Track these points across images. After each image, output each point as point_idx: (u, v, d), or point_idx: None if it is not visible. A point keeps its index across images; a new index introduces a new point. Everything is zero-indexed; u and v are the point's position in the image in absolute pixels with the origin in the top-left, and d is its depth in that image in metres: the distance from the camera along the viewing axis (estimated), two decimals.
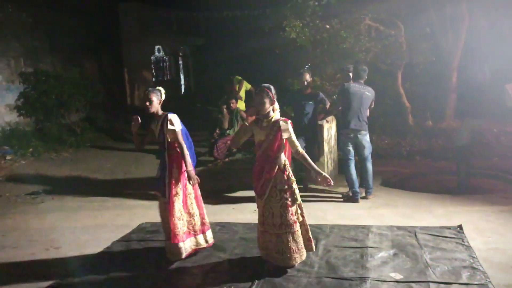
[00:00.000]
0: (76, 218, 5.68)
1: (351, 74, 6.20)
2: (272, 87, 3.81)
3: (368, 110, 6.04)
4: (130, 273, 3.92)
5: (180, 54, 18.64)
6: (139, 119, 4.08)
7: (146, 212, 5.63)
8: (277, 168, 3.77)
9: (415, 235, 4.52)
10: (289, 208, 3.75)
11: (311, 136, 6.40)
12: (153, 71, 16.53)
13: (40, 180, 7.73)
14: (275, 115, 3.83)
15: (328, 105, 6.36)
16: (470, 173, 6.43)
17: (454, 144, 6.99)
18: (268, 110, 3.79)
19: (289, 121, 3.81)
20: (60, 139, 10.47)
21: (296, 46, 9.26)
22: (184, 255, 4.02)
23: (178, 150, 4.06)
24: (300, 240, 3.81)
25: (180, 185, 4.05)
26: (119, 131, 12.34)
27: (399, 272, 3.71)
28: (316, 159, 6.60)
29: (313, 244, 3.95)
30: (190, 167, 3.99)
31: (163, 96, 4.20)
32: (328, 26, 8.87)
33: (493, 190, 6.23)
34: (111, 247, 4.55)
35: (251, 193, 6.33)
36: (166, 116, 4.09)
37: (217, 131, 8.78)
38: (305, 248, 3.86)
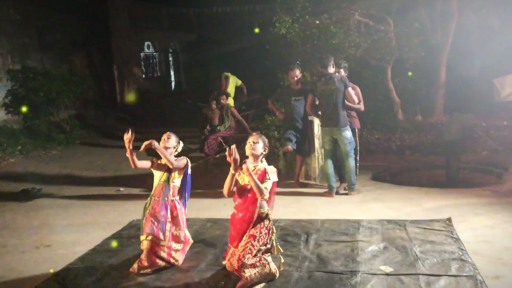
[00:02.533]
0: (66, 215, 5.64)
1: (342, 71, 6.08)
2: (265, 139, 3.72)
3: (353, 99, 5.82)
4: (121, 270, 3.90)
5: (170, 50, 18.55)
6: (131, 132, 3.91)
7: (137, 209, 5.57)
8: (256, 216, 3.57)
9: (405, 229, 4.56)
10: (250, 254, 3.47)
11: (302, 132, 6.41)
12: (142, 68, 16.43)
13: (29, 177, 7.66)
14: (262, 164, 3.67)
15: (317, 102, 6.30)
16: (460, 167, 6.50)
17: (443, 139, 7.05)
18: (258, 155, 3.64)
19: (275, 170, 3.66)
20: (49, 137, 10.38)
21: (286, 41, 9.25)
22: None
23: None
24: (260, 278, 3.50)
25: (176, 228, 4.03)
26: (109, 128, 12.27)
27: (389, 265, 3.74)
28: (307, 154, 6.63)
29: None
30: (169, 158, 3.92)
31: (180, 148, 4.13)
32: (317, 22, 8.88)
33: (482, 184, 6.31)
34: (102, 245, 4.53)
35: None
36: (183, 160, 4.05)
37: (207, 128, 8.75)
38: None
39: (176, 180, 4.05)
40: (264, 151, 3.69)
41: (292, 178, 6.64)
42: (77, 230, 5.06)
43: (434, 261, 3.78)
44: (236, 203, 3.75)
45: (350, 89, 5.80)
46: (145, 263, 3.82)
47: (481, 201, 5.41)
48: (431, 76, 10.71)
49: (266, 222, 3.60)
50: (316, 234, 4.53)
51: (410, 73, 10.38)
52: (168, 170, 4.02)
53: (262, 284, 3.50)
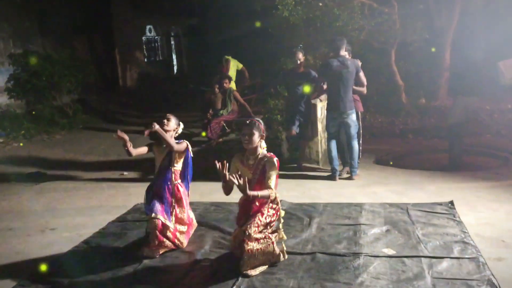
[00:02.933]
0: (71, 199, 5.69)
1: (346, 54, 6.00)
2: (262, 122, 3.62)
3: (362, 82, 5.85)
4: (126, 253, 3.94)
5: (172, 34, 18.42)
6: (124, 135, 3.91)
7: (141, 193, 5.59)
8: (265, 203, 3.55)
9: (407, 212, 4.58)
10: (256, 228, 3.46)
11: (305, 115, 6.40)
12: (144, 52, 16.34)
13: (33, 162, 7.70)
14: (262, 151, 3.61)
15: (325, 85, 6.25)
16: (463, 150, 6.49)
17: (447, 122, 7.02)
18: (256, 145, 3.56)
19: (276, 158, 3.55)
20: (52, 121, 10.39)
21: (289, 24, 9.17)
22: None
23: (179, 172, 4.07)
24: (261, 257, 3.49)
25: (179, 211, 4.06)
26: (112, 113, 12.27)
27: (392, 248, 3.77)
28: (310, 138, 6.62)
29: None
30: (169, 142, 3.93)
31: (180, 130, 4.15)
32: (321, 4, 8.79)
33: (485, 167, 6.30)
34: (106, 228, 4.57)
35: None
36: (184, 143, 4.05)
37: (210, 112, 8.74)
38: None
39: (178, 164, 4.06)
40: (262, 138, 3.59)
41: (295, 162, 6.65)
42: (81, 213, 5.11)
43: (436, 244, 3.80)
44: None
45: (361, 73, 5.81)
46: (155, 242, 3.83)
47: (484, 184, 5.42)
48: (435, 59, 10.61)
49: (274, 204, 3.59)
50: (319, 217, 4.56)
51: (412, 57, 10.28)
52: (169, 154, 4.03)
53: (265, 267, 3.53)
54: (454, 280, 3.19)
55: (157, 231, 3.86)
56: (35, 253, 4.07)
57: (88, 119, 11.44)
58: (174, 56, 18.47)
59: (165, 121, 4.06)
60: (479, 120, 8.68)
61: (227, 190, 3.66)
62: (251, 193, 3.38)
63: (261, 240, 3.50)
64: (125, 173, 6.84)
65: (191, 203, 4.42)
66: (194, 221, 4.26)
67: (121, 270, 3.63)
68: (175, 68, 18.56)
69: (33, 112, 10.34)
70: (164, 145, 4.02)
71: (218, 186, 5.85)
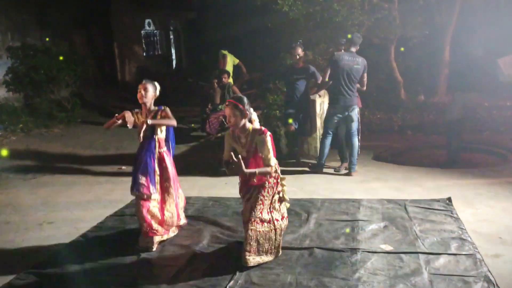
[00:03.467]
0: (69, 193, 5.68)
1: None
2: (243, 99, 3.47)
3: (364, 82, 5.92)
4: (124, 247, 3.94)
5: (171, 28, 18.35)
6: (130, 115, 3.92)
7: None
8: (263, 179, 3.50)
9: (405, 208, 4.59)
10: (261, 205, 3.48)
11: (303, 111, 6.39)
12: (143, 46, 16.28)
13: (31, 156, 7.69)
14: (254, 125, 3.52)
15: (320, 80, 6.24)
16: (461, 147, 6.49)
17: (445, 119, 7.02)
18: (241, 124, 3.45)
19: (268, 133, 3.44)
20: (51, 115, 10.36)
21: (289, 20, 9.14)
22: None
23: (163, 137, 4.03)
24: (263, 242, 3.50)
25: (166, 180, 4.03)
26: (110, 107, 12.23)
27: (389, 244, 3.78)
28: (308, 134, 6.62)
29: (269, 257, 3.55)
30: (169, 124, 3.95)
31: (158, 93, 4.08)
32: None
33: (483, 164, 6.31)
34: (104, 222, 4.57)
35: None
36: (162, 108, 3.99)
37: (209, 106, 8.72)
38: (263, 255, 3.53)
39: (162, 132, 4.01)
40: (245, 117, 3.44)
41: (293, 157, 6.65)
42: (79, 207, 5.10)
43: (433, 240, 3.81)
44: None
45: (365, 74, 5.89)
46: (145, 226, 3.84)
47: (482, 181, 5.43)
48: (434, 55, 10.61)
49: (273, 173, 3.52)
50: (317, 213, 4.56)
51: (402, 49, 10.26)
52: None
53: (266, 259, 3.53)
54: (451, 276, 3.21)
55: (143, 211, 3.83)
56: (32, 246, 4.07)
57: (86, 113, 11.40)
58: (173, 51, 18.40)
59: (142, 92, 3.94)
60: (478, 117, 8.68)
61: (230, 171, 3.54)
62: (248, 171, 3.36)
63: (265, 223, 3.50)
64: (123, 167, 6.83)
65: (188, 198, 4.42)
66: (181, 191, 4.19)
67: (118, 264, 3.63)
68: (174, 62, 18.50)
69: (33, 105, 10.30)
70: (147, 115, 3.95)
71: (216, 180, 5.89)
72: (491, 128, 8.14)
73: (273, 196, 3.56)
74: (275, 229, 3.54)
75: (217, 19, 16.19)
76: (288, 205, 3.75)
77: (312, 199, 4.98)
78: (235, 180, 5.83)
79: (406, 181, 5.61)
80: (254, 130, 3.49)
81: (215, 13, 16.51)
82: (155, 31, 17.25)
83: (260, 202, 3.48)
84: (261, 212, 3.47)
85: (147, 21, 16.77)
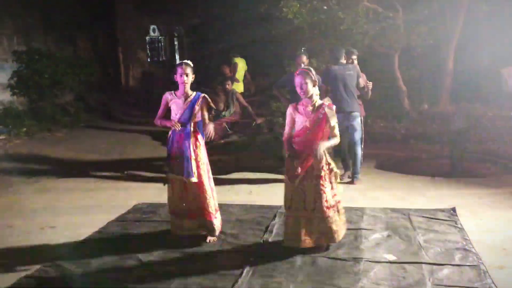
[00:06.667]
0: (71, 198, 5.67)
1: (354, 58, 6.05)
2: (312, 69, 3.70)
3: (365, 90, 5.92)
4: (125, 253, 3.93)
5: (176, 34, 18.42)
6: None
7: (142, 193, 5.64)
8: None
9: (409, 217, 4.56)
10: (323, 194, 3.68)
11: None
12: (147, 52, 16.35)
13: (34, 159, 7.70)
14: (317, 99, 3.72)
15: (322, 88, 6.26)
16: (464, 157, 6.47)
17: (449, 128, 7.01)
18: (311, 93, 3.66)
19: (334, 106, 3.72)
20: (54, 119, 10.39)
21: (293, 27, 9.17)
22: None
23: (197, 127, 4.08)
24: (339, 222, 3.78)
25: (205, 165, 4.09)
26: (114, 112, 12.26)
27: (393, 253, 3.75)
28: None
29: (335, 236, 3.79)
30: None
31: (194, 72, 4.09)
32: (325, 7, 8.78)
33: (487, 174, 6.29)
34: (106, 227, 4.56)
35: (247, 175, 6.40)
36: (202, 96, 4.03)
37: (212, 113, 8.72)
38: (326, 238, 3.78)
39: (199, 117, 4.03)
40: (315, 85, 3.67)
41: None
42: (81, 212, 5.09)
43: (437, 250, 3.78)
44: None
45: (361, 79, 5.89)
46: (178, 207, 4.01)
47: (485, 191, 5.40)
48: (438, 65, 10.60)
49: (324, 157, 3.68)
50: None
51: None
52: (190, 108, 3.96)
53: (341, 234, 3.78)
54: (455, 287, 3.18)
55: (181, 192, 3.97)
56: (34, 251, 4.06)
57: (90, 118, 11.44)
58: (177, 57, 18.47)
59: (184, 78, 3.94)
60: (482, 127, 8.65)
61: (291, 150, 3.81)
62: (324, 146, 3.61)
63: (331, 210, 3.72)
64: (126, 172, 6.83)
65: None
66: (212, 187, 4.21)
67: (119, 270, 3.62)
68: None
69: (37, 109, 10.33)
70: (184, 100, 3.98)
71: (219, 188, 5.85)
72: (495, 138, 8.11)
73: (331, 183, 3.74)
74: (338, 211, 3.79)
75: (222, 25, 16.25)
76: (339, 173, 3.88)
77: None
78: (238, 187, 5.87)
79: (409, 190, 5.58)
80: (320, 102, 3.70)
81: (219, 20, 16.57)
82: (160, 37, 17.33)
83: (321, 191, 3.66)
84: (326, 201, 3.67)
85: (151, 27, 16.86)
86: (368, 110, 7.27)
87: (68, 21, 12.27)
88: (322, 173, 3.68)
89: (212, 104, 4.11)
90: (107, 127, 10.76)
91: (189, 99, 4.01)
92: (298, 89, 3.67)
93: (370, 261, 3.61)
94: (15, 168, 7.12)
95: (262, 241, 4.07)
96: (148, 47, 16.47)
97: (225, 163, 7.05)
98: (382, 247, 3.90)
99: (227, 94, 8.77)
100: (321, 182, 3.68)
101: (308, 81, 3.62)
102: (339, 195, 3.83)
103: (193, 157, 3.99)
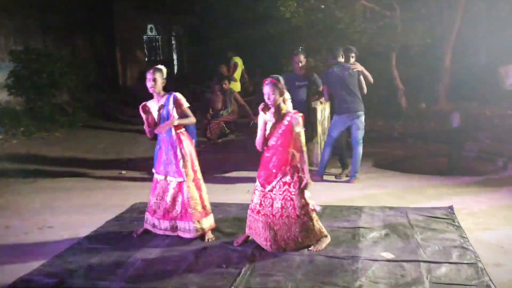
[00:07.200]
0: (69, 198, 5.66)
1: (354, 55, 6.04)
2: (280, 78, 3.73)
3: (363, 87, 5.90)
4: (123, 252, 3.93)
5: (173, 33, 18.40)
6: (147, 107, 4.03)
7: (140, 192, 5.62)
8: (287, 162, 3.75)
9: (407, 216, 4.57)
10: (292, 201, 3.75)
11: (305, 118, 6.37)
12: (145, 51, 16.33)
13: (32, 159, 7.68)
14: (286, 106, 3.77)
15: (321, 87, 6.25)
16: (462, 155, 6.49)
17: (446, 127, 7.02)
18: (278, 102, 3.71)
19: (300, 114, 3.75)
20: (52, 119, 10.36)
21: (291, 26, 9.17)
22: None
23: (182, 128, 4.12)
24: (311, 229, 3.82)
25: (190, 162, 4.11)
26: (112, 111, 12.24)
27: (391, 252, 3.75)
28: (309, 139, 6.61)
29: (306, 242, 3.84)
30: (189, 122, 4.16)
31: (165, 76, 4.13)
32: (323, 6, 8.79)
33: (485, 172, 6.30)
34: (104, 227, 4.55)
35: (245, 174, 6.40)
36: (173, 95, 4.05)
37: (210, 112, 8.73)
38: (301, 243, 3.81)
39: (176, 116, 4.06)
40: (282, 94, 3.71)
41: None
42: (79, 212, 5.09)
43: (435, 249, 3.79)
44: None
45: (361, 77, 5.89)
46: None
47: (483, 189, 5.41)
48: (436, 64, 10.63)
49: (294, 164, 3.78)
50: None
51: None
52: (165, 108, 4.02)
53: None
54: (453, 285, 3.18)
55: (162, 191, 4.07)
56: (32, 251, 4.05)
57: (88, 118, 11.40)
58: (175, 56, 18.45)
59: (152, 82, 4.00)
60: (479, 125, 8.68)
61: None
62: (306, 174, 3.75)
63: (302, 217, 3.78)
64: (124, 172, 6.83)
65: None
66: (202, 183, 4.26)
67: (117, 269, 3.61)
68: (176, 68, 18.54)
69: (34, 109, 10.30)
70: (158, 103, 4.05)
71: (216, 186, 5.87)
72: (492, 137, 8.13)
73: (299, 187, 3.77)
74: (311, 218, 3.82)
75: (220, 24, 16.25)
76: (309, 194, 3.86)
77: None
78: (236, 187, 5.87)
79: (407, 189, 5.59)
80: (288, 110, 3.77)
81: (217, 19, 16.57)
82: (157, 36, 17.31)
83: (290, 198, 3.74)
84: (294, 208, 3.74)
85: (149, 26, 16.83)
86: (366, 109, 7.27)
87: (66, 21, 12.23)
88: (290, 180, 3.75)
89: (183, 101, 4.09)
90: (105, 126, 10.74)
91: (162, 102, 4.06)
92: (265, 98, 3.71)
93: (368, 260, 3.62)
94: (13, 168, 7.11)
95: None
96: (145, 46, 16.45)
97: (222, 162, 7.06)
98: (380, 245, 3.91)
99: (225, 93, 8.78)
100: (290, 189, 3.75)
101: (276, 92, 3.67)
102: (309, 204, 3.81)
103: (179, 156, 4.05)
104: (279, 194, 3.78)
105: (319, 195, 5.44)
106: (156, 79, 4.00)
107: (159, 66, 4.11)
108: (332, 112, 6.76)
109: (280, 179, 3.77)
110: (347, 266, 3.53)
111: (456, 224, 4.31)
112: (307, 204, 3.79)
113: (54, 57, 10.61)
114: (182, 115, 4.10)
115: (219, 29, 15.94)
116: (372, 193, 5.49)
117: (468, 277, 3.30)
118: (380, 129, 9.17)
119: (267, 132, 3.80)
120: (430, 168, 6.53)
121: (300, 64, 6.22)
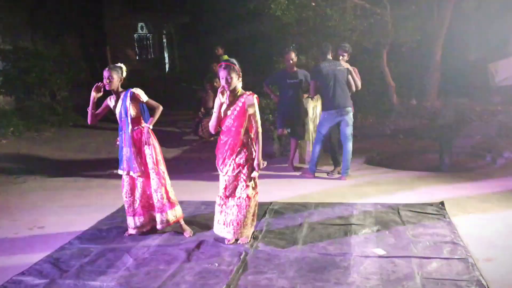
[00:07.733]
0: (60, 197, 5.63)
1: (345, 54, 6.01)
2: (236, 62, 3.81)
3: (352, 85, 5.91)
4: (114, 252, 3.91)
5: (164, 32, 18.33)
6: (101, 88, 4.14)
7: None
8: (240, 143, 3.84)
9: (398, 212, 4.59)
10: (245, 183, 3.86)
11: (296, 115, 6.39)
12: (136, 49, 16.24)
13: (22, 159, 7.62)
14: (241, 90, 3.86)
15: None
16: (453, 151, 6.54)
17: (437, 123, 7.07)
18: (235, 85, 3.79)
19: (255, 96, 3.83)
20: (42, 118, 10.28)
21: (282, 24, 9.17)
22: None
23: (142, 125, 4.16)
24: (250, 216, 3.95)
25: (152, 158, 4.13)
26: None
27: (382, 248, 3.77)
28: (301, 137, 6.62)
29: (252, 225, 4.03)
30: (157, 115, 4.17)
31: (124, 74, 4.21)
32: (313, 4, 8.79)
33: (475, 168, 6.35)
34: (96, 227, 4.53)
35: None
36: (130, 92, 4.09)
37: (202, 110, 8.72)
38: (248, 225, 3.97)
39: (133, 112, 4.08)
40: (239, 76, 3.80)
41: (286, 161, 6.64)
42: (70, 212, 5.05)
43: (426, 244, 3.81)
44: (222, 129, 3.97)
45: (350, 76, 5.90)
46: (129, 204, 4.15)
47: (474, 185, 5.45)
48: (426, 60, 10.68)
49: (248, 147, 3.88)
50: (310, 217, 4.55)
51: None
52: (122, 104, 4.11)
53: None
54: (444, 280, 3.21)
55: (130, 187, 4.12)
56: (23, 251, 4.02)
57: (78, 117, 11.32)
58: (166, 54, 18.38)
59: (107, 81, 4.09)
60: (469, 121, 8.74)
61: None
62: (260, 161, 3.86)
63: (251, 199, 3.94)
64: (115, 171, 6.78)
65: (180, 202, 4.39)
66: (166, 176, 4.22)
67: (109, 268, 3.60)
68: (167, 66, 18.47)
69: (24, 108, 10.21)
70: (116, 99, 4.16)
71: (208, 184, 5.86)
72: (483, 133, 8.20)
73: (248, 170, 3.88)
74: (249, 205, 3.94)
75: (211, 23, 16.21)
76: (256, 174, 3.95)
77: (305, 203, 4.97)
78: None
79: (398, 185, 5.62)
80: (243, 92, 3.85)
81: (208, 17, 16.53)
82: (148, 34, 17.24)
83: (243, 180, 3.87)
84: (245, 189, 3.87)
85: (140, 24, 16.75)
86: (357, 106, 7.30)
87: (55, 19, 12.13)
88: (244, 162, 3.85)
89: (141, 96, 4.12)
90: (95, 126, 10.60)
91: (120, 99, 4.15)
92: (222, 82, 3.79)
93: (360, 256, 3.63)
94: (2, 168, 7.04)
95: (252, 237, 4.07)
96: (136, 45, 16.37)
97: (214, 160, 7.04)
98: (372, 242, 3.92)
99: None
100: (242, 170, 3.86)
101: (233, 75, 3.75)
102: (253, 194, 3.93)
103: (142, 151, 4.12)
104: (233, 175, 3.88)
105: (311, 192, 5.48)
106: (110, 76, 4.10)
107: (118, 64, 4.21)
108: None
109: (233, 159, 3.85)
110: (339, 263, 3.54)
111: (447, 219, 4.34)
112: (255, 186, 3.95)
113: (43, 56, 10.52)
114: (148, 107, 4.17)
115: (210, 27, 15.90)
116: (363, 190, 5.51)
117: (459, 272, 3.32)
118: (372, 125, 9.21)
119: (224, 114, 3.88)
120: (421, 165, 6.58)
121: (291, 62, 6.23)
